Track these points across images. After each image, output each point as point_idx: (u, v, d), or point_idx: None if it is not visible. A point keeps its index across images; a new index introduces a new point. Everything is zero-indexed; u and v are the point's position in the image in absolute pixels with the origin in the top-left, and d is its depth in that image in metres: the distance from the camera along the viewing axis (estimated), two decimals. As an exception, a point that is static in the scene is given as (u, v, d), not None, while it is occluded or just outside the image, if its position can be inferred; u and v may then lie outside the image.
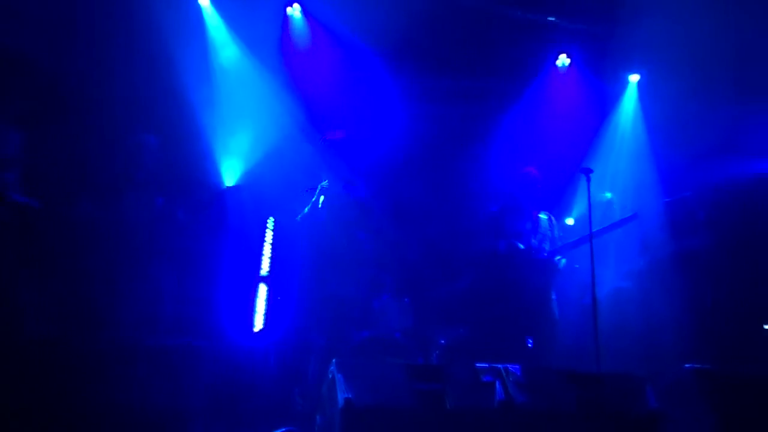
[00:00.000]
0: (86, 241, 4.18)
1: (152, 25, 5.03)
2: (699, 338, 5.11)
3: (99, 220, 4.29)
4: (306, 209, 4.72)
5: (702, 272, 5.60)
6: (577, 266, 5.20)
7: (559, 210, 5.87)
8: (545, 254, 4.86)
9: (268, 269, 5.39)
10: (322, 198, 4.65)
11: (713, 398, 3.52)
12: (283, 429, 4.01)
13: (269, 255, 5.42)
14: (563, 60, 6.38)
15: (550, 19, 6.02)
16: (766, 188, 5.90)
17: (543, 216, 5.07)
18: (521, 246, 4.84)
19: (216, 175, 5.47)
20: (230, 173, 5.56)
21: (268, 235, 5.46)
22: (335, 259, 4.54)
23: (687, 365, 3.73)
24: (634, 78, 6.45)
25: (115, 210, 4.38)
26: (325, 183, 4.78)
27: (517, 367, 3.23)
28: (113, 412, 3.08)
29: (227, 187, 5.52)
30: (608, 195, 5.79)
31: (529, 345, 4.64)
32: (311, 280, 4.59)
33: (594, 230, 4.48)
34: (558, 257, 4.90)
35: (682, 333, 5.17)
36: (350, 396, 2.93)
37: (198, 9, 5.68)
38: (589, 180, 4.53)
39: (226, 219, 5.27)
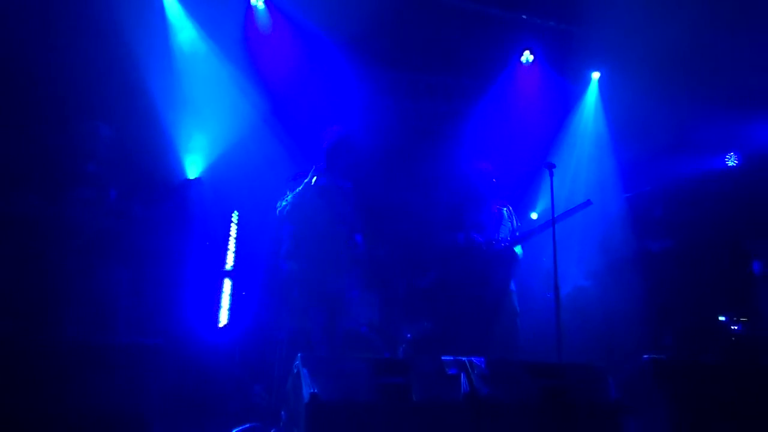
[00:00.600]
0: (30, 236, 3.95)
1: (106, 7, 4.72)
2: (657, 330, 5.26)
3: (45, 214, 4.04)
4: (290, 195, 4.39)
5: (659, 266, 5.75)
6: (544, 260, 5.28)
7: (523, 204, 5.95)
8: (504, 245, 4.91)
9: (232, 264, 5.31)
10: (314, 179, 4.31)
11: (671, 387, 3.63)
12: (248, 425, 3.97)
13: (234, 249, 5.34)
14: (527, 56, 6.44)
15: (512, 13, 6.06)
16: (719, 184, 6.10)
17: (503, 208, 5.12)
18: (479, 238, 4.87)
19: (177, 167, 5.29)
20: (192, 165, 5.41)
21: (233, 229, 5.37)
22: (327, 258, 4.33)
23: (645, 356, 3.83)
24: (595, 75, 6.57)
25: (63, 204, 4.10)
26: (317, 168, 4.43)
27: (482, 359, 3.27)
28: (62, 415, 2.90)
29: (189, 179, 5.38)
30: None
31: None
32: (299, 277, 4.34)
33: (550, 219, 4.55)
34: (516, 247, 4.96)
35: (641, 325, 5.31)
36: (316, 391, 2.91)
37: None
38: (552, 175, 4.60)
39: (188, 213, 5.12)
